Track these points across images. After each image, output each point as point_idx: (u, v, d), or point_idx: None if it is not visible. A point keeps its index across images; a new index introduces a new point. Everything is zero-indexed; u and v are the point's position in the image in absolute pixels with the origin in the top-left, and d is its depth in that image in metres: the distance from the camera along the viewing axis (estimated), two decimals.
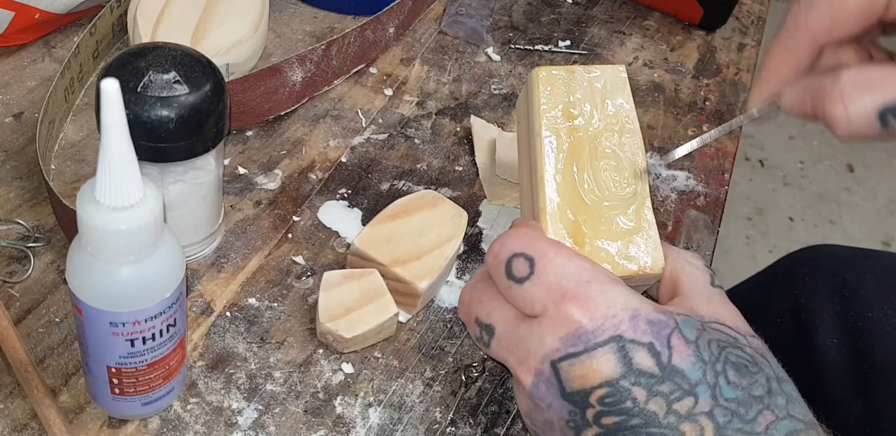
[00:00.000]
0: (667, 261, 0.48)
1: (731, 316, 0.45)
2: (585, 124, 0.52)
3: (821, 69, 0.47)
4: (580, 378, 0.41)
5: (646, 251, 0.48)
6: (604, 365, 0.41)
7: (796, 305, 0.71)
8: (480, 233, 0.62)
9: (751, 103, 0.49)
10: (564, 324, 0.42)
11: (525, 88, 0.55)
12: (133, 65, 0.48)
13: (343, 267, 0.58)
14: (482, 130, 0.67)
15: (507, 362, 0.45)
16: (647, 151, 0.54)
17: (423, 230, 0.57)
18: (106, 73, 0.48)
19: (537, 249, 0.44)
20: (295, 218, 0.61)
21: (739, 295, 0.77)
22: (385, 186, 0.64)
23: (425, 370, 0.55)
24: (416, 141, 0.67)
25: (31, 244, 0.56)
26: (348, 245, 0.60)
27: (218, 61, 0.60)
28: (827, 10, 0.45)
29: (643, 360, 0.41)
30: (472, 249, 0.61)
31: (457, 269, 0.60)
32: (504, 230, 0.48)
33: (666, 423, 0.40)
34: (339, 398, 0.53)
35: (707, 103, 0.75)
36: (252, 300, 0.56)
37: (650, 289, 0.51)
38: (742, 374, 0.41)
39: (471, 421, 0.53)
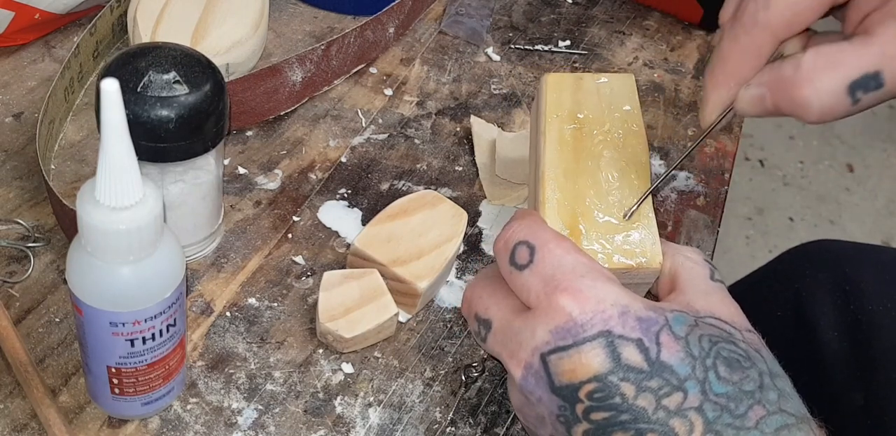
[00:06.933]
0: (666, 257, 0.49)
1: (729, 310, 0.45)
2: (590, 127, 0.54)
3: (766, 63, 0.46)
4: (569, 372, 0.42)
5: (643, 246, 0.49)
6: (592, 360, 0.41)
7: (797, 299, 0.71)
8: (480, 233, 0.62)
9: (708, 111, 0.48)
10: (555, 316, 0.42)
11: (537, 93, 0.57)
12: (133, 65, 0.48)
13: (343, 267, 0.58)
14: (482, 130, 0.67)
15: (500, 355, 0.45)
16: (649, 152, 0.54)
17: (423, 230, 0.57)
18: (106, 73, 0.48)
19: (540, 238, 0.45)
20: (295, 218, 0.61)
21: (741, 290, 0.77)
22: (385, 186, 0.64)
23: (425, 370, 0.55)
24: (416, 141, 0.67)
25: (31, 244, 0.56)
26: (348, 245, 0.60)
27: (218, 61, 0.60)
28: (786, 4, 0.44)
29: (631, 355, 0.41)
30: (472, 249, 0.61)
31: (457, 269, 0.60)
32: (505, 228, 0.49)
33: (655, 418, 0.40)
34: (339, 398, 0.53)
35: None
36: (252, 300, 0.56)
37: (651, 287, 0.51)
38: (734, 369, 0.42)
39: (471, 421, 0.53)
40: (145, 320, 0.43)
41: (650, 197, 0.51)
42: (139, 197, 0.38)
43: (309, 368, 0.54)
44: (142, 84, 0.47)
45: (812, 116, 0.43)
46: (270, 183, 0.63)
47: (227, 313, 0.55)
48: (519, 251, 0.45)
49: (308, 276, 0.58)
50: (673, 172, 0.69)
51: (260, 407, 0.52)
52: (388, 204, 0.58)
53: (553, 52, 0.76)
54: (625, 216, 0.50)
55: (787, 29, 0.45)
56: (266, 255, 0.59)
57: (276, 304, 0.56)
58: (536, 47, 0.76)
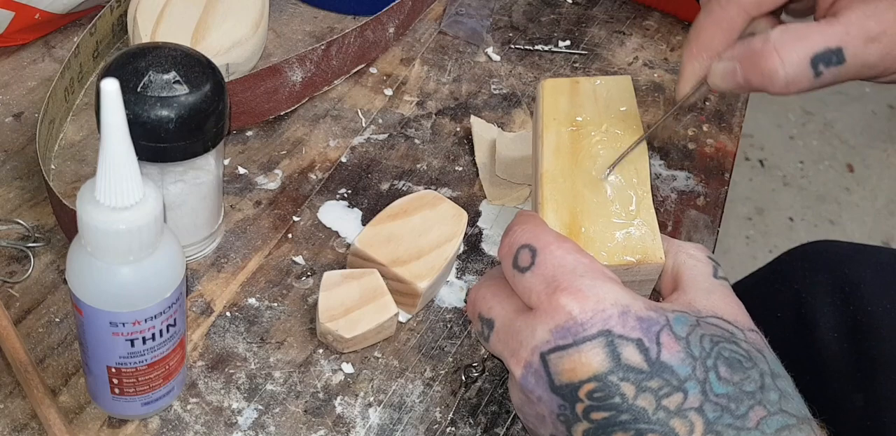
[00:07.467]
0: (668, 255, 0.49)
1: (732, 309, 0.45)
2: (588, 128, 0.54)
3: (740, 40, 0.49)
4: (569, 372, 0.42)
5: (644, 242, 0.49)
6: (592, 359, 0.41)
7: (797, 300, 0.71)
8: (480, 233, 0.62)
9: (683, 83, 0.50)
10: (555, 315, 0.43)
11: (535, 99, 0.57)
12: (133, 65, 0.48)
13: (343, 267, 0.58)
14: (482, 130, 0.67)
15: (502, 355, 0.45)
16: (648, 151, 0.55)
17: (423, 230, 0.57)
18: (106, 73, 0.48)
19: (541, 241, 0.46)
20: (295, 218, 0.61)
21: (740, 290, 0.77)
22: (385, 186, 0.64)
23: (425, 370, 0.55)
24: (416, 141, 0.67)
25: (31, 244, 0.56)
26: (348, 245, 0.60)
27: (218, 61, 0.60)
28: None
29: (631, 355, 0.41)
30: (472, 249, 0.61)
31: (457, 269, 0.60)
32: (506, 227, 0.49)
33: (655, 418, 0.40)
34: (339, 398, 0.53)
35: (707, 103, 0.75)
36: (252, 300, 0.56)
37: (655, 285, 0.51)
38: (734, 369, 0.42)
39: (471, 421, 0.53)
40: (145, 320, 0.43)
41: (650, 194, 0.51)
42: (139, 197, 0.38)
43: (309, 368, 0.54)
44: (142, 84, 0.47)
45: (777, 86, 0.46)
46: (270, 183, 0.63)
47: (227, 313, 0.55)
48: (521, 254, 0.45)
49: (308, 276, 0.58)
50: (673, 171, 0.69)
51: (260, 407, 0.52)
52: (388, 204, 0.58)
53: (553, 52, 0.76)
54: (611, 167, 0.52)
55: (757, 6, 0.48)
56: (266, 255, 0.59)
57: (276, 304, 0.56)
58: (536, 47, 0.76)
